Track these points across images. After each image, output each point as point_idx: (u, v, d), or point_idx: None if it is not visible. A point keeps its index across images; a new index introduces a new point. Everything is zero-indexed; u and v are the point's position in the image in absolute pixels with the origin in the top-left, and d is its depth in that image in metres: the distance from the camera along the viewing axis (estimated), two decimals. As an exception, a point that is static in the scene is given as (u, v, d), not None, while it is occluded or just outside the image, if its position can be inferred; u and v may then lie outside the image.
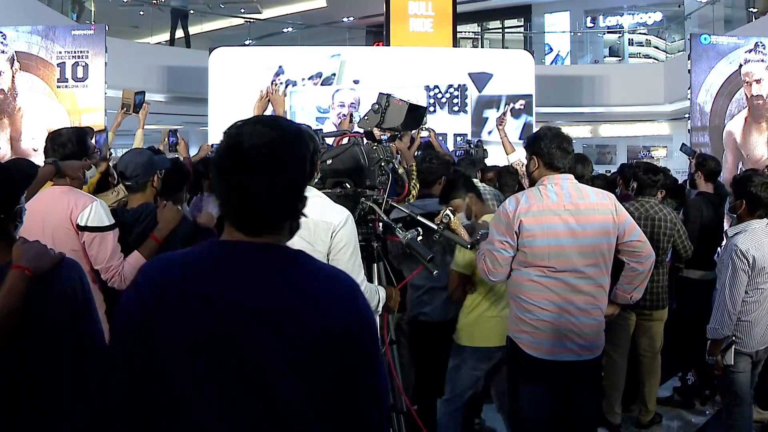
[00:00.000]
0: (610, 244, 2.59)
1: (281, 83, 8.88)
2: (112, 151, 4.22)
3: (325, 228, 2.17)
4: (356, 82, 9.05)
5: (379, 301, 2.31)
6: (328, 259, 2.18)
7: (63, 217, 2.48)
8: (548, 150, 2.61)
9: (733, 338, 3.03)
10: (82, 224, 2.49)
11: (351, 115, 8.26)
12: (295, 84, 9.04)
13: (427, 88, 9.08)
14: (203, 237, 2.75)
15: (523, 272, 2.60)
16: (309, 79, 9.08)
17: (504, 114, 5.68)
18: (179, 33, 12.41)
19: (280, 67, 9.12)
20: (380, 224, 2.53)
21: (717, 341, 3.05)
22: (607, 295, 2.66)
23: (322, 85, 9.05)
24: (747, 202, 3.10)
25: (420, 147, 5.52)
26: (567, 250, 2.54)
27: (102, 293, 2.55)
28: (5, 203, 1.65)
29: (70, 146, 2.63)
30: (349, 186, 2.50)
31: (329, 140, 2.82)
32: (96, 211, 2.51)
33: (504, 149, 5.28)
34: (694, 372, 4.36)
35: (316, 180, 2.39)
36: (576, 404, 2.68)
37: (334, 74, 9.10)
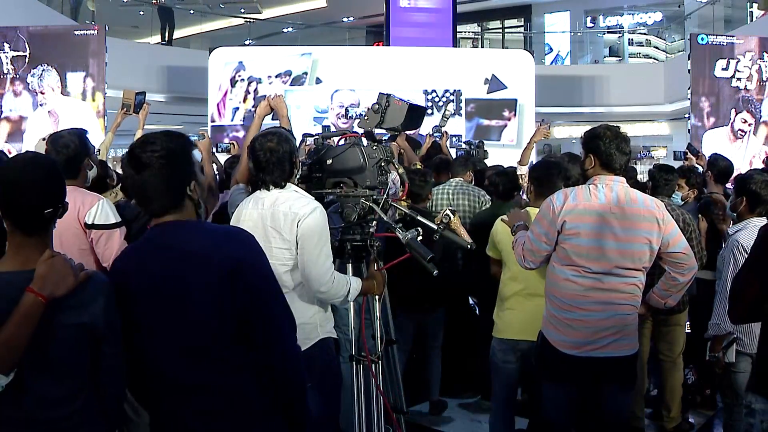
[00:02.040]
0: (653, 251, 2.59)
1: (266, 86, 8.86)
2: (111, 150, 4.22)
3: (292, 218, 2.32)
4: (318, 81, 9.04)
5: (349, 290, 2.38)
6: (296, 247, 2.32)
7: (70, 217, 2.43)
8: (607, 150, 2.59)
9: (734, 336, 3.03)
10: (90, 222, 2.50)
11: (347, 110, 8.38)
12: (260, 81, 9.02)
13: (426, 92, 9.12)
14: None
15: (558, 271, 2.61)
16: (276, 77, 9.05)
17: (548, 126, 5.65)
18: (177, 33, 12.49)
19: (240, 63, 9.10)
20: (374, 223, 2.54)
21: (718, 338, 3.05)
22: (641, 291, 2.66)
23: (291, 84, 9.03)
24: (747, 200, 3.10)
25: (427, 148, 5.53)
26: (607, 253, 2.54)
27: None
28: (57, 196, 1.62)
29: (73, 147, 2.63)
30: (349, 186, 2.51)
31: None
32: (103, 209, 2.53)
33: (522, 155, 5.24)
34: (694, 372, 4.35)
35: (298, 177, 2.51)
36: (605, 399, 2.68)
37: (306, 73, 9.08)
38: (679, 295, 2.77)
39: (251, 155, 2.41)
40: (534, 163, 3.64)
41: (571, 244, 2.56)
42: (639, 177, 5.75)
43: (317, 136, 2.71)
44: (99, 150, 3.88)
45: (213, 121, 9.04)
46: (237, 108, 8.94)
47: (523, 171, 4.89)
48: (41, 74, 7.48)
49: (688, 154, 5.56)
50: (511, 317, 3.07)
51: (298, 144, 2.66)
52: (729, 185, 4.58)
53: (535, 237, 2.65)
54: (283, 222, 2.31)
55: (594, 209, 2.56)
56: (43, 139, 2.85)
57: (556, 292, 2.62)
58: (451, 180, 4.48)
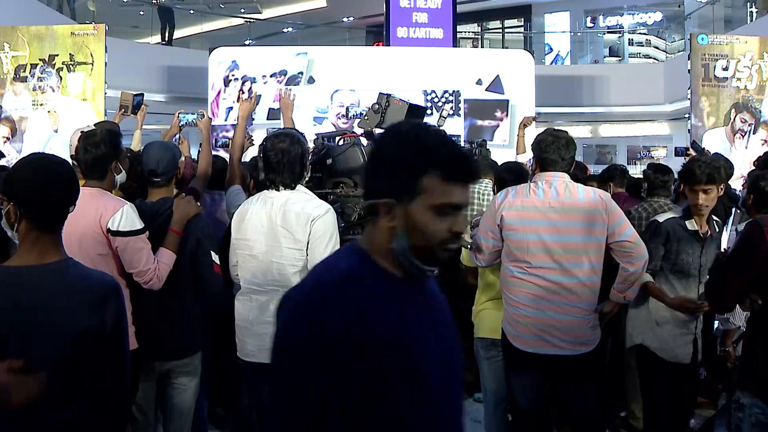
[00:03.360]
0: (599, 243, 2.61)
1: (286, 86, 8.78)
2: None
3: (305, 219, 2.34)
4: (312, 81, 9.00)
5: None
6: (307, 248, 2.34)
7: (92, 221, 2.40)
8: (542, 155, 2.70)
9: (744, 330, 3.03)
10: (114, 229, 2.41)
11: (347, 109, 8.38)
12: (254, 80, 8.98)
13: (425, 93, 9.10)
14: None
15: (505, 267, 2.72)
16: (271, 76, 9.00)
17: (533, 118, 5.70)
18: (177, 33, 12.51)
19: (233, 62, 9.05)
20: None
21: (728, 332, 3.06)
22: (594, 292, 2.67)
23: (287, 84, 8.97)
24: (755, 198, 3.09)
25: None
26: (549, 247, 2.59)
27: (129, 291, 2.51)
28: (76, 195, 1.68)
29: (103, 147, 2.53)
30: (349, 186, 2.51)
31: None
32: (128, 216, 2.44)
33: (516, 147, 5.31)
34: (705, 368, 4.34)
35: (306, 179, 2.53)
36: (567, 399, 2.73)
37: (301, 72, 9.05)
38: (636, 287, 2.76)
39: (262, 155, 2.44)
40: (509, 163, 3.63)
41: (511, 239, 2.65)
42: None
43: (317, 136, 2.72)
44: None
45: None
46: (231, 108, 8.90)
47: (523, 159, 4.98)
48: (41, 74, 7.47)
49: (689, 150, 5.53)
50: (487, 317, 3.14)
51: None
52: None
53: (482, 233, 2.74)
54: (296, 222, 2.32)
55: (532, 205, 2.63)
56: (81, 131, 2.75)
57: (506, 288, 2.72)
58: (482, 180, 4.52)
